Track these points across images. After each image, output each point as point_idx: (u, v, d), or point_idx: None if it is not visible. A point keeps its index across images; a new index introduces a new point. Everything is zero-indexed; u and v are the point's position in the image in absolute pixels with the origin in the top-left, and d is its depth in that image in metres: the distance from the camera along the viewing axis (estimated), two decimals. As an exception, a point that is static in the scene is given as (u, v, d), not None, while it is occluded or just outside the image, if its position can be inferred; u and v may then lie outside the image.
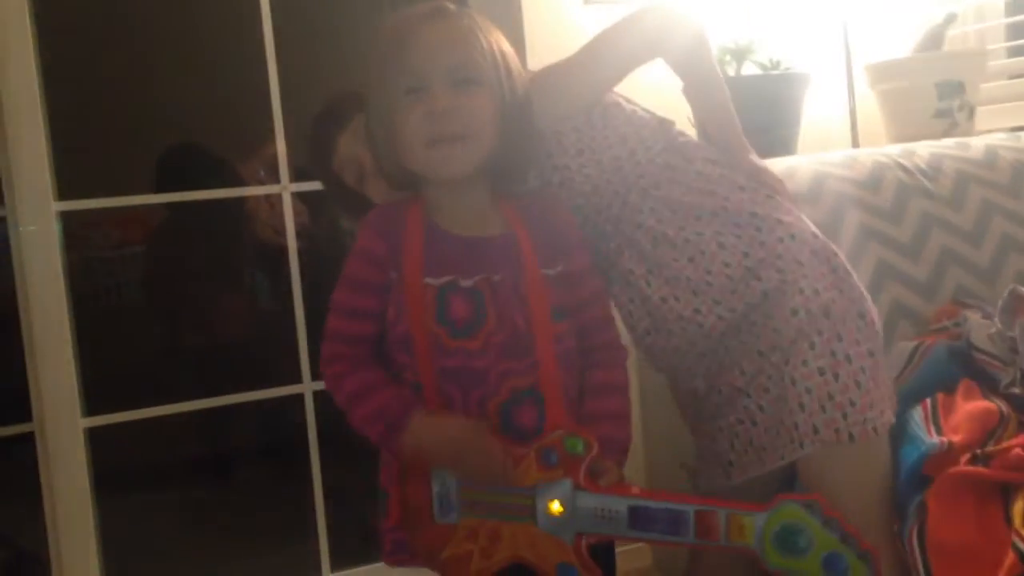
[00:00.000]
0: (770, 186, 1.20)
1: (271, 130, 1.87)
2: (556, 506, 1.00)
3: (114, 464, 1.91)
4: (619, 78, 1.22)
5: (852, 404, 1.07)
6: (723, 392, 1.17)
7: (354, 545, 2.22)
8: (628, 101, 1.26)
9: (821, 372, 1.08)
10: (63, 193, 1.78)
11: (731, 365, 1.15)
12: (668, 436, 1.63)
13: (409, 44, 1.04)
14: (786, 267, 1.12)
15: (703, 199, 1.17)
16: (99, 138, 2.02)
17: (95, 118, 2.02)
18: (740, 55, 1.80)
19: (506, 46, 1.08)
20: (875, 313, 1.14)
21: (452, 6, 1.08)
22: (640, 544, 1.83)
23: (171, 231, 2.21)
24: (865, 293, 1.14)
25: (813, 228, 1.17)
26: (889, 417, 1.10)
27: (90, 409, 1.80)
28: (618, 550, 1.83)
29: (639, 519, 0.97)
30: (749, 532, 0.92)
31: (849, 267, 1.15)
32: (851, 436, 1.07)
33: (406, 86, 1.04)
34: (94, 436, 1.82)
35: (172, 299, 2.23)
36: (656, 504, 0.97)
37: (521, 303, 1.04)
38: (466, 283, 1.04)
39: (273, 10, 1.93)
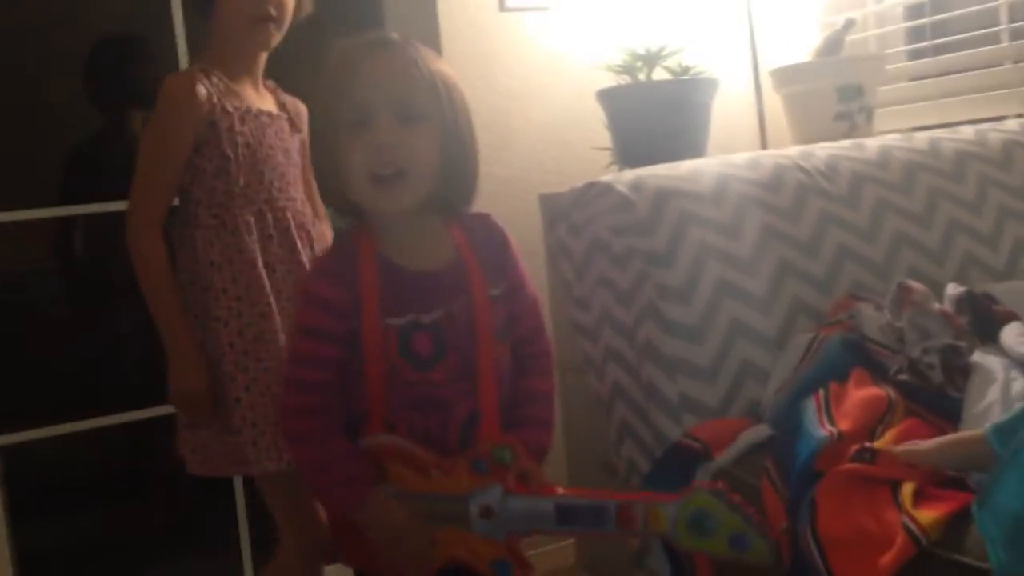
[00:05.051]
0: None
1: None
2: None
3: (27, 483, 1.86)
4: None
5: None
6: None
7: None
8: None
9: None
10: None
11: None
12: (589, 437, 1.66)
13: (353, 76, 1.05)
14: None
15: None
16: (5, 148, 1.96)
17: (4, 128, 1.96)
18: (651, 61, 1.85)
19: (449, 75, 1.09)
20: None
21: (396, 36, 1.09)
22: (564, 543, 1.88)
23: (86, 243, 2.16)
24: None
25: None
26: None
27: (1, 427, 1.76)
28: (543, 549, 1.86)
29: (565, 515, 1.04)
30: (664, 520, 1.00)
31: None
32: None
33: (351, 119, 1.04)
34: (7, 454, 1.77)
35: (89, 314, 2.17)
36: (580, 501, 1.04)
37: (471, 329, 1.09)
38: (427, 319, 1.07)
39: (186, 19, 1.91)
